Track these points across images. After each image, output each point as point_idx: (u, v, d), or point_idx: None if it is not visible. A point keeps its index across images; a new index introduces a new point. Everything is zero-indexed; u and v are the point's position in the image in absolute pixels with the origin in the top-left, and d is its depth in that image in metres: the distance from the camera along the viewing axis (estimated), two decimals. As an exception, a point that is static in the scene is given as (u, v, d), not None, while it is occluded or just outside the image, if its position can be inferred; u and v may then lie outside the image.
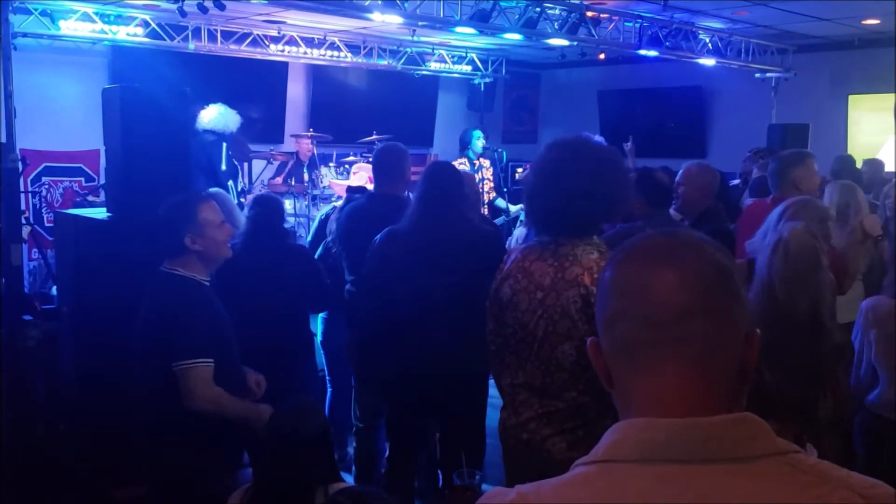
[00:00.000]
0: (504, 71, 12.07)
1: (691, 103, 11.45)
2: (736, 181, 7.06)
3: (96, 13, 8.00)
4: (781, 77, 10.18)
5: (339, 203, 5.16)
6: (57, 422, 4.28)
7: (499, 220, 7.31)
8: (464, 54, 11.40)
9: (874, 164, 7.03)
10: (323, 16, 8.20)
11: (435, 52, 10.97)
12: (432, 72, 11.19)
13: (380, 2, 6.35)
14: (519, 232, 5.93)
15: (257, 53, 9.40)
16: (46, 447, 4.13)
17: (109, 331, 3.65)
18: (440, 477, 3.90)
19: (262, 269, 3.83)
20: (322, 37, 9.72)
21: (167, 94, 4.25)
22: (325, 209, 5.40)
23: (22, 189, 7.94)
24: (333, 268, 4.64)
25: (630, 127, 11.60)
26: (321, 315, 4.70)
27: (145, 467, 3.04)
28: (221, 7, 6.61)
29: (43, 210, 8.73)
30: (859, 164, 6.78)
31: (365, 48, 10.20)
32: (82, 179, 8.96)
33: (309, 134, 8.68)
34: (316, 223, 5.11)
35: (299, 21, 8.92)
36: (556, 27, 7.61)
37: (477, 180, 7.16)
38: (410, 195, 3.76)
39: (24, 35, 7.66)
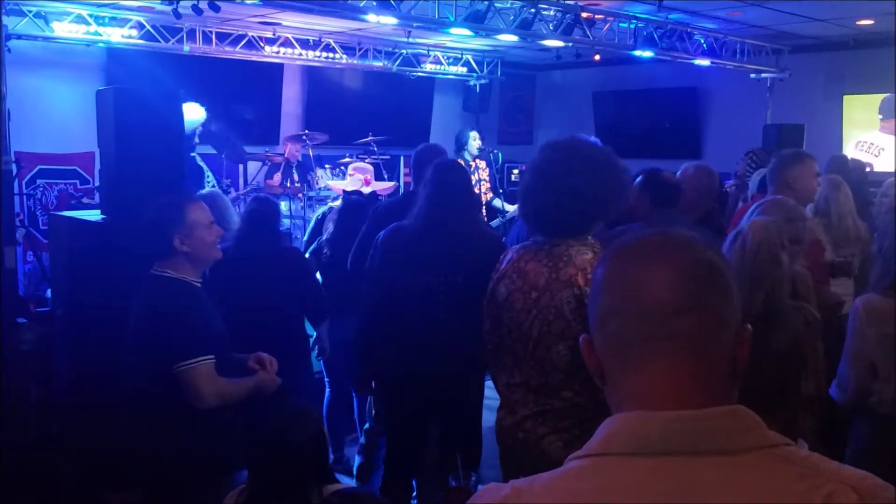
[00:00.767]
0: (499, 72, 12.07)
1: (686, 104, 11.45)
2: (731, 181, 7.06)
3: (90, 15, 7.98)
4: (776, 77, 10.19)
5: (336, 204, 5.16)
6: (51, 425, 4.26)
7: (495, 222, 7.31)
8: (459, 56, 11.40)
9: (857, 164, 7.02)
10: (318, 17, 8.19)
11: (430, 53, 10.97)
12: (427, 73, 11.20)
13: (374, 3, 6.34)
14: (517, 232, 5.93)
15: (252, 55, 9.40)
16: (40, 451, 4.11)
17: (103, 333, 3.63)
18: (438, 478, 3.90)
19: (255, 271, 3.82)
20: (317, 38, 9.72)
21: (161, 95, 4.23)
22: (321, 209, 5.40)
23: (16, 191, 7.94)
24: (325, 266, 4.65)
25: (625, 128, 11.69)
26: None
27: (140, 471, 3.02)
28: (216, 9, 6.60)
29: (38, 212, 8.70)
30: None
31: (360, 50, 10.20)
32: (77, 182, 8.94)
33: (303, 134, 8.67)
34: (312, 223, 5.11)
35: (294, 23, 8.91)
36: (551, 28, 7.61)
37: (473, 181, 7.15)
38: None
39: (19, 37, 7.65)
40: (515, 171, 10.90)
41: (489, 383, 3.01)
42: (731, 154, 7.90)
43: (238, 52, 9.22)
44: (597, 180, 2.55)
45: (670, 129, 11.52)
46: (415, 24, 7.26)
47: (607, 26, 8.18)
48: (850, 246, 4.30)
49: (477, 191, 7.31)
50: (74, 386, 4.16)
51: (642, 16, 8.23)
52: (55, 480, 3.96)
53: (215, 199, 4.35)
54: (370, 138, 9.13)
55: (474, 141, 7.51)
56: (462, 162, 7.43)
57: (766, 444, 0.95)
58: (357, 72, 10.91)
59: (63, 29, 7.93)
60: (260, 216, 3.97)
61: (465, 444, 3.59)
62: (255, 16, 8.44)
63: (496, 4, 6.98)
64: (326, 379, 4.91)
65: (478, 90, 11.96)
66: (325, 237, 4.76)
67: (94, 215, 4.36)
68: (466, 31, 7.29)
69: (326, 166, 8.98)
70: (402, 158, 10.49)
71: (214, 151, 8.54)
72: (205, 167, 7.22)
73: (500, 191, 7.93)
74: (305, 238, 5.08)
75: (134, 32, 8.34)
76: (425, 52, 10.89)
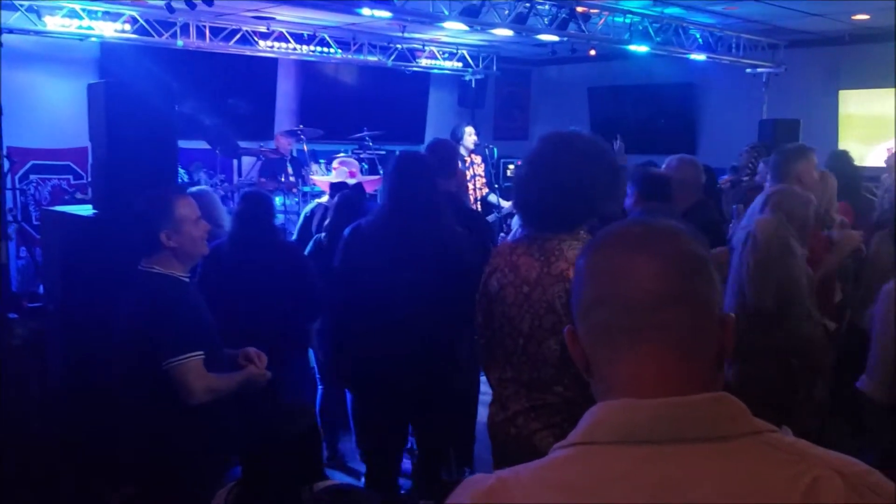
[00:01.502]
0: (495, 67, 12.04)
1: (682, 99, 11.45)
2: (725, 177, 7.04)
3: (83, 9, 7.94)
4: (772, 72, 10.18)
5: (324, 199, 5.14)
6: (44, 421, 4.24)
7: (490, 217, 7.29)
8: (454, 51, 11.38)
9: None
10: (312, 11, 8.17)
11: (425, 48, 10.94)
12: (423, 68, 11.16)
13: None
14: (517, 225, 5.92)
15: (246, 50, 9.36)
16: (35, 447, 4.09)
17: (96, 328, 3.62)
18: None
19: (251, 266, 3.80)
20: (312, 33, 9.69)
21: (153, 89, 4.21)
22: (309, 206, 5.38)
23: (9, 187, 7.91)
24: (324, 265, 4.62)
25: (621, 123, 11.63)
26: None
27: (132, 467, 3.01)
28: (209, 3, 6.57)
29: (31, 208, 8.67)
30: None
31: (355, 44, 10.16)
32: (70, 177, 8.91)
33: (297, 129, 8.65)
34: (301, 220, 5.08)
35: (288, 17, 8.88)
36: (546, 23, 7.59)
37: (469, 176, 7.14)
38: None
39: (10, 31, 7.60)
40: (511, 167, 10.89)
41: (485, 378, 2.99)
42: (727, 149, 7.91)
43: (232, 47, 9.18)
44: (590, 175, 2.54)
45: (666, 124, 11.51)
46: (409, 19, 7.23)
47: (602, 21, 8.16)
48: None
49: (472, 186, 7.31)
50: (67, 381, 4.15)
51: (637, 10, 8.21)
52: (52, 476, 3.94)
53: (204, 196, 4.34)
54: (365, 133, 9.11)
55: (470, 136, 7.49)
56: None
57: (752, 430, 0.96)
58: (352, 66, 10.88)
59: (55, 23, 7.88)
60: (251, 214, 3.94)
61: (445, 441, 3.58)
62: (249, 10, 8.40)
63: (491, -1, 6.97)
64: (319, 375, 4.89)
65: (473, 85, 11.93)
66: (321, 235, 4.75)
67: (85, 210, 4.34)
68: (461, 26, 7.27)
69: (321, 161, 8.94)
70: (397, 153, 10.47)
71: (208, 146, 8.54)
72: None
73: (496, 186, 7.92)
74: (294, 237, 5.05)
75: (127, 27, 8.29)
76: (420, 46, 10.86)
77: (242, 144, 8.74)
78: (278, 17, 8.91)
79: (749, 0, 7.84)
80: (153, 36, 8.47)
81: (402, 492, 3.93)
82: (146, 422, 2.86)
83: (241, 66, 9.70)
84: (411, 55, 10.85)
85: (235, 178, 9.30)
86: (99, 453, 3.56)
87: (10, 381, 4.15)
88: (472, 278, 2.81)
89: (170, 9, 6.98)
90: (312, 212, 5.10)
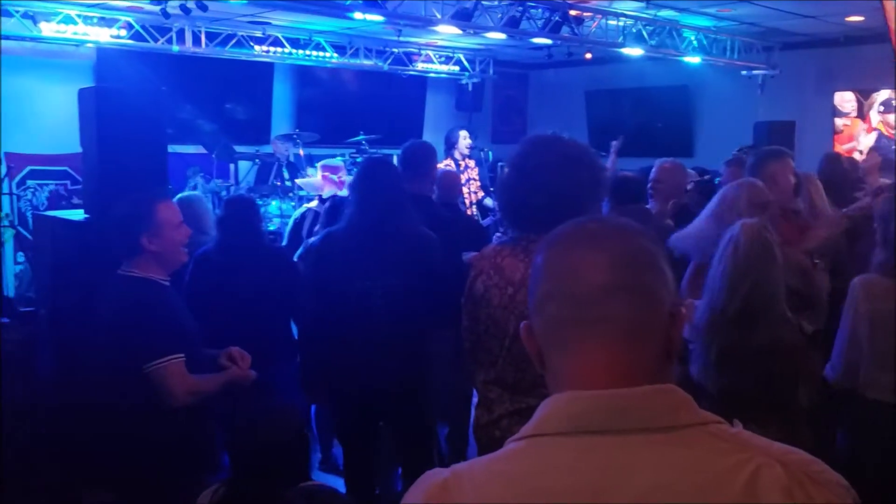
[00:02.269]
0: (492, 71, 12.07)
1: (678, 102, 11.46)
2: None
3: (78, 15, 7.96)
4: (767, 74, 10.20)
5: (314, 204, 5.14)
6: (34, 426, 4.24)
7: (486, 220, 7.30)
8: (451, 54, 11.40)
9: (851, 163, 7.02)
10: (308, 16, 8.19)
11: (421, 52, 10.97)
12: (419, 72, 11.18)
13: (361, 1, 6.33)
14: None
15: (242, 55, 9.39)
16: (23, 452, 4.09)
17: (86, 332, 3.62)
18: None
19: (237, 271, 3.80)
20: (307, 37, 9.71)
21: (144, 93, 4.22)
22: (298, 210, 5.38)
23: (6, 192, 7.93)
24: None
25: (618, 126, 11.65)
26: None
27: (115, 471, 3.01)
28: (204, 8, 6.61)
29: (28, 213, 8.68)
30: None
31: (351, 49, 10.19)
32: (68, 182, 8.92)
33: (293, 134, 8.66)
34: (290, 224, 5.09)
35: (284, 22, 8.91)
36: (539, 26, 7.61)
37: (464, 180, 7.15)
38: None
39: (6, 37, 7.63)
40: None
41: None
42: (723, 151, 7.89)
43: (228, 52, 9.20)
44: (573, 176, 2.55)
45: (663, 127, 11.53)
46: (401, 22, 7.25)
47: (595, 24, 8.18)
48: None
49: (467, 190, 7.33)
50: (58, 386, 4.15)
51: (631, 13, 8.23)
52: (39, 482, 3.94)
53: (193, 202, 4.33)
54: (362, 137, 9.12)
55: (464, 140, 7.51)
56: (451, 161, 7.47)
57: (696, 421, 0.97)
58: (348, 71, 10.89)
59: (50, 29, 7.90)
60: (235, 220, 3.93)
61: (420, 445, 3.60)
62: (245, 15, 8.43)
63: (483, 2, 6.98)
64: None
65: (470, 89, 11.95)
66: (312, 240, 4.76)
67: (78, 215, 4.35)
68: (454, 29, 7.29)
69: (317, 165, 8.96)
70: (394, 157, 10.47)
71: (205, 151, 8.55)
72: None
73: (492, 189, 7.93)
74: (284, 242, 5.05)
75: (123, 32, 8.32)
76: (416, 50, 10.89)
77: (239, 149, 8.76)
78: (273, 22, 8.93)
79: (742, 2, 7.85)
80: (149, 41, 8.49)
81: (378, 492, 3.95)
82: (126, 425, 2.86)
83: (238, 71, 9.71)
84: (408, 59, 10.87)
85: (232, 182, 9.31)
86: (83, 457, 3.56)
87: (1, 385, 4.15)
88: (440, 278, 2.82)
89: (165, 14, 7.02)
90: (303, 216, 5.11)
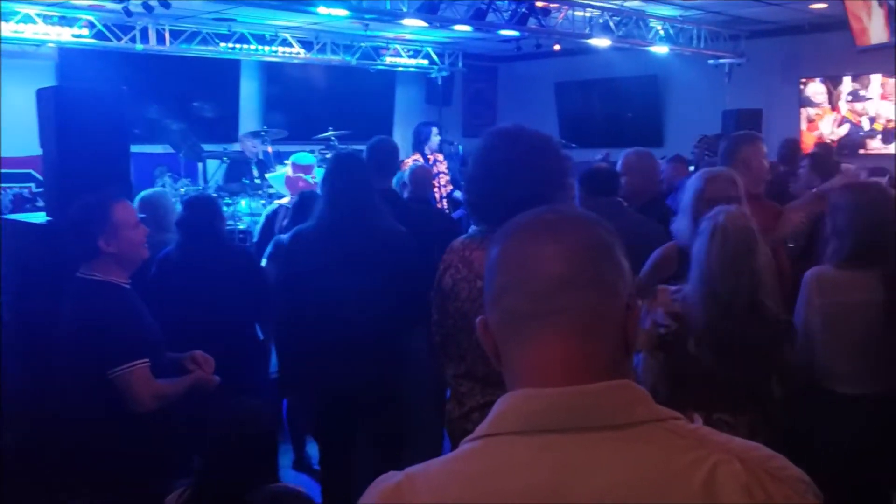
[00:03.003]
0: (461, 64, 12.05)
1: (647, 92, 11.53)
2: (692, 168, 7.09)
3: (38, 14, 7.83)
4: (734, 63, 10.27)
5: (285, 201, 5.11)
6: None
7: (457, 213, 7.29)
8: (419, 48, 11.36)
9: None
10: (273, 12, 8.12)
11: (389, 46, 10.91)
12: (388, 66, 11.13)
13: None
14: None
15: (208, 52, 9.29)
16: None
17: (50, 338, 3.56)
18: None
19: (200, 273, 3.74)
20: (273, 33, 9.63)
21: (104, 93, 4.16)
22: (270, 207, 5.34)
23: (-32, 195, 7.80)
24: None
25: (588, 118, 11.72)
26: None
27: (84, 477, 2.96)
28: (167, 5, 6.53)
29: (-8, 217, 8.54)
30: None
31: (318, 44, 10.12)
32: (32, 185, 8.79)
33: (261, 131, 8.59)
34: (262, 221, 5.05)
35: (249, 18, 8.82)
36: (506, 18, 7.60)
37: (432, 174, 7.14)
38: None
39: (-35, 38, 7.49)
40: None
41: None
42: (693, 140, 7.96)
43: (193, 50, 9.11)
44: (538, 165, 2.54)
45: (632, 117, 11.60)
46: (367, 16, 7.21)
47: (562, 15, 8.18)
48: None
49: (436, 184, 7.30)
50: (24, 392, 4.08)
51: (597, 3, 8.24)
52: (7, 490, 3.88)
53: (157, 200, 4.28)
54: (331, 133, 9.06)
55: (435, 136, 7.51)
56: (420, 156, 7.44)
57: (653, 417, 0.96)
58: (316, 66, 10.82)
59: (9, 29, 7.76)
60: (196, 221, 3.87)
61: (398, 443, 3.58)
62: (209, 12, 8.34)
63: (449, -5, 6.96)
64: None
65: (440, 82, 11.91)
66: (282, 236, 4.71)
67: (39, 217, 4.28)
68: (420, 23, 7.26)
69: (286, 162, 8.89)
70: (364, 153, 10.43)
71: (172, 150, 8.45)
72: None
73: (462, 183, 7.91)
74: (256, 239, 5.00)
75: (85, 31, 8.20)
76: (384, 45, 10.83)
77: (207, 147, 8.67)
78: (239, 19, 8.85)
79: (708, -9, 7.90)
80: (112, 40, 8.38)
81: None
82: (95, 432, 2.81)
83: (204, 69, 9.62)
84: (376, 53, 10.82)
85: (200, 181, 9.21)
86: (53, 464, 3.51)
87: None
88: (414, 275, 2.80)
89: (127, 12, 6.93)
90: (275, 213, 5.07)
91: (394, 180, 4.74)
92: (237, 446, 2.41)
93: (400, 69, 11.49)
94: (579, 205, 3.70)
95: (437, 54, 11.63)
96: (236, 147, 8.95)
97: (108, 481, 2.79)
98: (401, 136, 11.64)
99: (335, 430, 3.58)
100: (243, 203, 7.70)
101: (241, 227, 7.08)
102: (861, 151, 9.79)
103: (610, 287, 1.01)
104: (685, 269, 2.89)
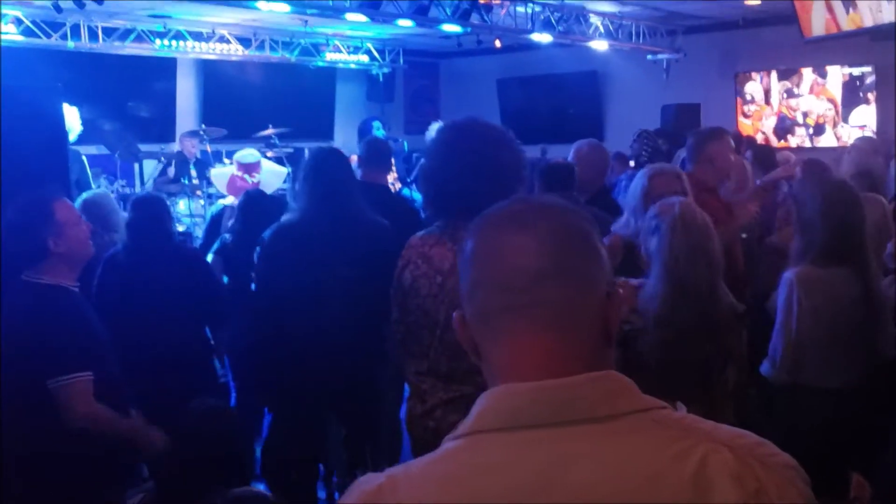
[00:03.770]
0: (402, 61, 11.99)
1: (588, 88, 11.64)
2: (631, 163, 7.16)
3: (-40, 11, 7.52)
4: (672, 58, 10.43)
5: (229, 200, 5.00)
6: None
7: (404, 210, 7.25)
8: (359, 44, 11.26)
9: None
10: (210, 8, 7.95)
11: (330, 42, 10.78)
12: (328, 63, 11.01)
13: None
14: None
15: (143, 50, 9.06)
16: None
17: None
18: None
19: (148, 274, 3.64)
20: (210, 30, 9.44)
21: (38, 91, 4.03)
22: (215, 206, 5.24)
23: None
24: (231, 264, 4.50)
25: (530, 114, 11.78)
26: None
27: (34, 490, 2.82)
28: (99, 2, 6.32)
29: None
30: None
31: (256, 40, 9.96)
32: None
33: (200, 130, 8.42)
34: (208, 221, 4.94)
35: (185, 15, 8.63)
36: (448, 13, 7.58)
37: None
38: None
39: None
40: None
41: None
42: (632, 135, 8.07)
43: (128, 47, 8.90)
44: (494, 157, 2.55)
45: (574, 113, 11.69)
46: (309, 12, 7.11)
47: (504, 10, 8.20)
48: None
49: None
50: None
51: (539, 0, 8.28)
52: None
53: (101, 201, 4.17)
54: (271, 131, 8.94)
55: (378, 132, 7.46)
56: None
57: (638, 408, 0.94)
58: (255, 63, 10.65)
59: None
60: (144, 221, 3.77)
61: (372, 440, 3.54)
62: (144, 9, 8.13)
63: (392, -11, 6.91)
64: (232, 383, 4.75)
65: (381, 79, 11.84)
66: (226, 236, 4.61)
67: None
68: (362, 18, 7.19)
69: (226, 161, 8.74)
70: (306, 150, 10.30)
71: (107, 151, 8.23)
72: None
73: (409, 180, 7.88)
74: (201, 240, 4.89)
75: (12, 28, 7.89)
76: (324, 41, 10.70)
77: (144, 148, 8.47)
78: (175, 15, 8.65)
79: (647, -13, 8.00)
80: (41, 37, 8.10)
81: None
82: (40, 443, 2.67)
83: (139, 67, 9.41)
84: (315, 50, 10.69)
85: (137, 183, 8.99)
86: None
87: None
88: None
89: (57, 8, 6.68)
90: (220, 213, 4.96)
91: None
92: (198, 447, 2.36)
93: (340, 66, 11.38)
94: None
95: (378, 51, 11.55)
96: (174, 147, 8.75)
97: (58, 495, 2.67)
98: (342, 134, 11.56)
99: (305, 423, 3.51)
100: (182, 204, 7.53)
101: (181, 229, 6.92)
102: (796, 145, 10.03)
103: (585, 276, 0.99)
104: (630, 262, 2.92)
